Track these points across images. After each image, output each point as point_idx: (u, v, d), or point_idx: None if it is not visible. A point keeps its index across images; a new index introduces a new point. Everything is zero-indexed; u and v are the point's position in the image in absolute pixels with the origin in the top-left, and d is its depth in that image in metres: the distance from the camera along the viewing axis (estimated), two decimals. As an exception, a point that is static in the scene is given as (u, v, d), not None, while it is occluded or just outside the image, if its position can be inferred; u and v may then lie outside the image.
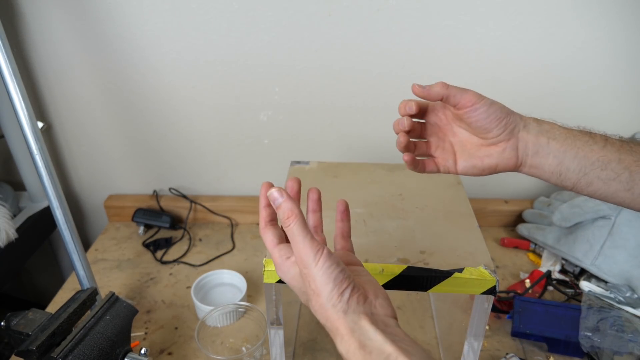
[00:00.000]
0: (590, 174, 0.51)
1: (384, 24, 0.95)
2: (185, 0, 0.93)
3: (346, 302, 0.42)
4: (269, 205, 0.49)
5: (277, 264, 0.48)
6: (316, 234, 0.54)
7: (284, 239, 0.49)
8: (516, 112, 0.54)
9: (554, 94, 1.01)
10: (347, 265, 0.48)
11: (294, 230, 0.44)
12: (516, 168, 0.55)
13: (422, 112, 0.58)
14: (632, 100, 1.03)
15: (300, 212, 0.45)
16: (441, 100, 0.54)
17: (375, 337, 0.41)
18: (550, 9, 0.92)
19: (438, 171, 0.59)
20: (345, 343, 0.41)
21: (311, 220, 0.54)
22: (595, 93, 1.01)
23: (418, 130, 0.59)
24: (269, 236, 0.49)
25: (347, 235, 0.55)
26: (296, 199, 0.52)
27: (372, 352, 0.40)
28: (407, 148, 0.57)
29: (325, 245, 0.48)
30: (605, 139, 0.52)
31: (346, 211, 0.55)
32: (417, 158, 0.58)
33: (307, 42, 0.97)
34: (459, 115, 0.55)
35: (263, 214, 0.50)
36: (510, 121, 0.53)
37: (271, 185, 0.48)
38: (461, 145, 0.58)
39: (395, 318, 0.45)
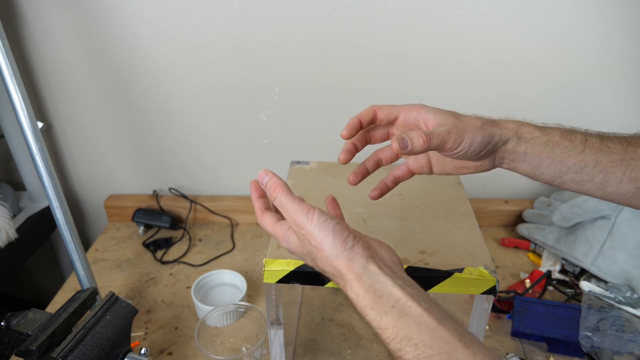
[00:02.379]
0: (565, 177, 0.52)
1: (384, 24, 0.95)
2: (185, 0, 0.93)
3: (351, 249, 0.43)
4: (261, 196, 0.51)
5: (279, 238, 0.49)
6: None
7: (282, 218, 0.50)
8: (496, 122, 0.52)
9: (554, 94, 1.01)
10: None
11: (281, 199, 0.46)
12: (489, 171, 0.55)
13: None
14: (632, 99, 1.03)
15: (285, 184, 0.48)
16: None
17: (384, 281, 0.41)
18: (550, 9, 0.92)
19: (411, 175, 0.59)
20: (354, 288, 0.42)
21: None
22: (594, 93, 1.01)
23: (381, 137, 0.58)
24: (267, 219, 0.50)
25: (339, 217, 0.55)
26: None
27: (382, 295, 0.41)
28: (350, 153, 0.57)
29: None
30: (585, 140, 0.51)
31: (335, 201, 0.56)
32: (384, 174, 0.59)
33: (307, 42, 0.97)
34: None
35: (257, 205, 0.52)
36: (491, 145, 0.51)
37: (257, 183, 0.51)
38: (437, 154, 0.57)
39: (401, 264, 0.45)
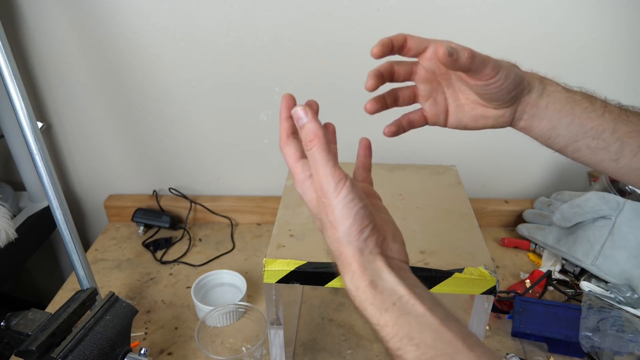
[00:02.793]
0: (581, 141, 0.50)
1: (384, 24, 0.94)
2: (185, 0, 0.93)
3: (364, 241, 0.41)
4: (290, 117, 0.45)
5: (297, 180, 0.44)
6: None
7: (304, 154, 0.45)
8: (523, 71, 0.51)
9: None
10: (369, 197, 0.46)
11: (315, 154, 0.41)
12: (506, 127, 0.53)
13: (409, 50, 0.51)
14: (632, 99, 1.03)
15: (325, 136, 0.41)
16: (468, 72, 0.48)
17: (389, 278, 0.40)
18: (550, 9, 0.92)
19: (425, 124, 0.54)
20: (355, 280, 0.40)
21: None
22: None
23: (405, 74, 0.53)
24: (290, 149, 0.45)
25: (368, 168, 0.52)
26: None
27: (384, 291, 0.39)
28: (377, 85, 0.50)
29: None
30: (605, 105, 0.50)
31: (370, 148, 0.52)
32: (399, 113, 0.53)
33: (307, 42, 0.97)
34: (467, 84, 0.50)
35: (284, 126, 0.45)
36: (519, 90, 0.50)
37: (293, 99, 0.45)
38: (457, 101, 0.53)
39: (408, 264, 0.43)
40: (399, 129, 0.55)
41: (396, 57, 0.51)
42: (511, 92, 0.49)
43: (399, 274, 0.40)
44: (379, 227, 0.42)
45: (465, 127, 0.54)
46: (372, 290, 0.40)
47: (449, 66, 0.47)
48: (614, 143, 0.49)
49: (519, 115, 0.52)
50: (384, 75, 0.51)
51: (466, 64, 0.46)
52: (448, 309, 0.40)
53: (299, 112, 0.42)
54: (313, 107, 0.45)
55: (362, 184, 0.50)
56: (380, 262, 0.41)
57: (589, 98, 0.51)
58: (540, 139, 0.52)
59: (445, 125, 0.54)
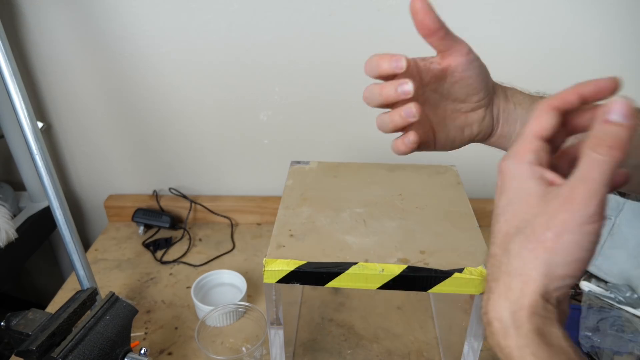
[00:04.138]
0: None
1: (384, 24, 0.95)
2: (185, 1, 0.93)
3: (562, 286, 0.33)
4: (578, 99, 0.36)
5: (518, 159, 0.36)
6: None
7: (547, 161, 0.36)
8: None
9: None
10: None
11: (601, 165, 0.30)
12: (489, 138, 0.51)
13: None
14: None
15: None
16: (433, 37, 0.45)
17: (557, 332, 0.33)
18: (551, 9, 0.92)
19: (416, 149, 0.49)
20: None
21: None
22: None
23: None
24: (542, 121, 0.36)
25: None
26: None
27: (552, 345, 0.32)
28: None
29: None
30: None
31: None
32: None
33: (307, 42, 0.97)
34: (450, 71, 0.48)
35: (566, 98, 0.36)
36: (490, 86, 0.48)
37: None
38: (439, 117, 0.50)
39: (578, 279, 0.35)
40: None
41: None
42: (487, 80, 0.48)
43: (562, 326, 0.33)
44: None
45: (454, 142, 0.51)
46: (538, 338, 0.32)
47: (423, 21, 0.44)
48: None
49: (496, 120, 0.51)
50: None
51: (436, 24, 0.44)
52: None
53: (623, 108, 0.31)
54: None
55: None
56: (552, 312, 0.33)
57: (547, 95, 0.51)
58: None
59: (435, 145, 0.51)
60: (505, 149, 0.51)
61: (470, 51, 0.46)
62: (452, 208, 0.73)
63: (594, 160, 0.31)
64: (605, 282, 0.90)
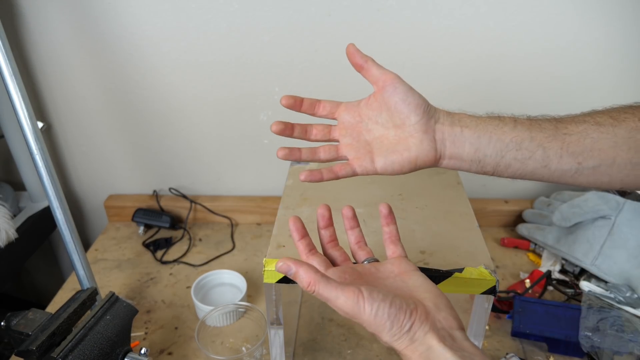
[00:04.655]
0: (507, 156, 0.51)
1: (384, 24, 0.95)
2: (185, 0, 0.93)
3: (408, 331, 0.42)
4: (304, 236, 0.51)
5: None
6: (333, 249, 0.54)
7: (329, 263, 0.50)
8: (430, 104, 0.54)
9: (553, 94, 1.01)
10: (401, 274, 0.49)
11: (322, 293, 0.43)
12: (436, 161, 0.54)
13: (329, 112, 0.59)
14: (630, 97, 1.03)
15: (318, 272, 0.44)
16: (362, 70, 0.56)
17: (443, 354, 0.41)
18: (550, 9, 0.92)
19: (354, 174, 0.56)
20: None
21: (327, 234, 0.54)
22: (596, 93, 1.01)
23: (325, 132, 0.59)
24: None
25: (396, 239, 0.54)
26: (329, 224, 0.54)
27: None
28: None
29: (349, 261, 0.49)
30: (515, 119, 0.52)
31: (390, 215, 0.54)
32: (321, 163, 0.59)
33: (307, 42, 0.97)
34: (380, 93, 0.54)
35: (300, 248, 0.51)
36: (427, 110, 0.52)
37: (299, 221, 0.52)
38: (377, 141, 0.55)
39: (462, 329, 0.44)
40: (320, 178, 0.58)
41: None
42: (419, 107, 0.52)
43: (453, 346, 0.41)
44: (418, 307, 0.43)
45: (393, 164, 0.54)
46: None
47: (353, 58, 0.56)
48: (536, 150, 0.50)
49: (441, 145, 0.53)
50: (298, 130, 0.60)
51: (361, 60, 0.56)
52: None
53: (283, 267, 0.45)
54: (326, 215, 0.53)
55: (393, 259, 0.52)
56: (434, 341, 0.41)
57: (497, 116, 0.53)
58: (472, 166, 0.53)
59: (374, 169, 0.55)
60: (460, 169, 0.54)
61: (395, 79, 0.54)
62: (452, 208, 0.73)
63: (317, 294, 0.44)
64: (605, 282, 0.90)
